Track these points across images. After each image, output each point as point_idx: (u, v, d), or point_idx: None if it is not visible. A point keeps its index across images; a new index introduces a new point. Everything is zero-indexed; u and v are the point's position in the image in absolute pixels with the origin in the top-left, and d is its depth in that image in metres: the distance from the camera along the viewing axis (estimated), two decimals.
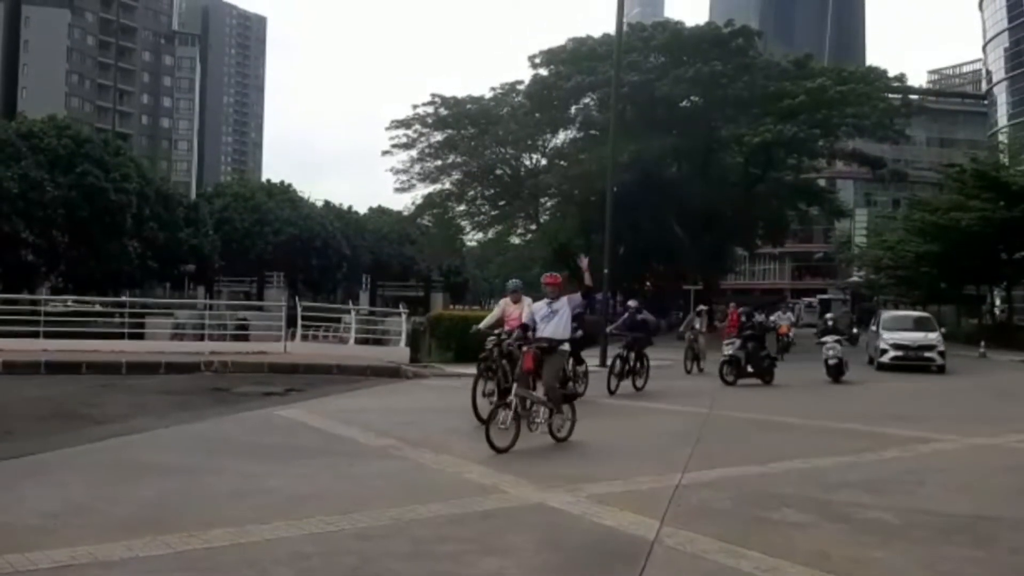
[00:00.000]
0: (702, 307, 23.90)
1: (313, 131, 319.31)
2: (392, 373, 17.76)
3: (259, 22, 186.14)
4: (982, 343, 32.80)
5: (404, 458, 8.42)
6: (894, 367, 22.16)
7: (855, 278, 74.99)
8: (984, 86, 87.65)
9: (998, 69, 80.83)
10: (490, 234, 52.66)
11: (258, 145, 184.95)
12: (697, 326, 21.30)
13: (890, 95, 45.23)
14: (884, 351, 22.96)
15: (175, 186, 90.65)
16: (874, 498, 6.83)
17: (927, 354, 22.22)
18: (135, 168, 68.25)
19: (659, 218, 43.38)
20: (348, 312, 26.90)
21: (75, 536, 5.24)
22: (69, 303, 33.69)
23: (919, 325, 24.32)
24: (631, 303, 16.72)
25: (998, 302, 48.88)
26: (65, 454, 8.22)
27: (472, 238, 54.63)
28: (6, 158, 56.84)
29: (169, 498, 6.42)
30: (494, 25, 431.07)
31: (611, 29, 28.52)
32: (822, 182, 63.03)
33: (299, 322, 22.46)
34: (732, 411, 13.12)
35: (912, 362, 22.15)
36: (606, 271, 24.36)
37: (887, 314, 27.89)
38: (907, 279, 52.26)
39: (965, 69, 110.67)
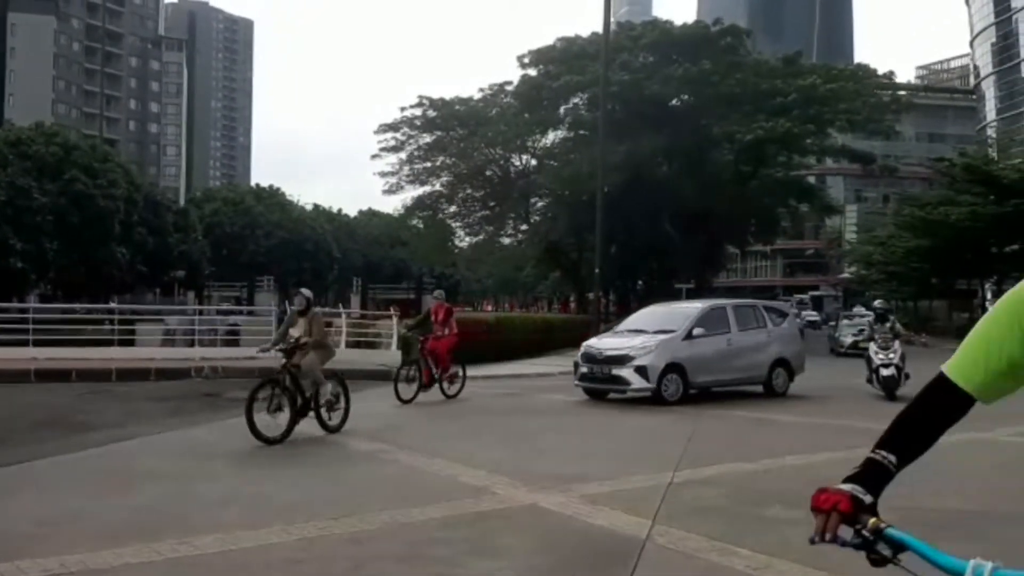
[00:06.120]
0: (439, 292, 16.17)
1: (301, 134, 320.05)
2: (383, 377, 17.73)
3: (246, 26, 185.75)
4: None
5: (396, 462, 8.42)
6: (592, 391, 14.46)
7: (846, 274, 75.30)
8: (972, 81, 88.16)
9: (986, 64, 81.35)
10: (481, 236, 52.58)
11: (246, 149, 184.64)
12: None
13: (879, 91, 45.42)
14: (576, 365, 14.79)
15: (164, 191, 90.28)
16: None
17: (616, 371, 13.71)
18: (123, 174, 67.98)
19: (650, 217, 43.35)
20: (339, 315, 26.85)
21: (66, 543, 5.21)
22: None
23: (663, 323, 14.88)
24: None
25: (989, 296, 49.13)
26: (56, 461, 8.19)
27: (463, 239, 54.60)
28: None
29: (160, 505, 6.39)
30: (482, 26, 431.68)
31: (600, 28, 28.57)
32: (812, 179, 63.26)
33: None
34: (724, 409, 13.12)
35: (600, 384, 14.17)
36: (597, 270, 24.42)
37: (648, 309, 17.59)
38: (898, 275, 52.51)
39: (953, 64, 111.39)
